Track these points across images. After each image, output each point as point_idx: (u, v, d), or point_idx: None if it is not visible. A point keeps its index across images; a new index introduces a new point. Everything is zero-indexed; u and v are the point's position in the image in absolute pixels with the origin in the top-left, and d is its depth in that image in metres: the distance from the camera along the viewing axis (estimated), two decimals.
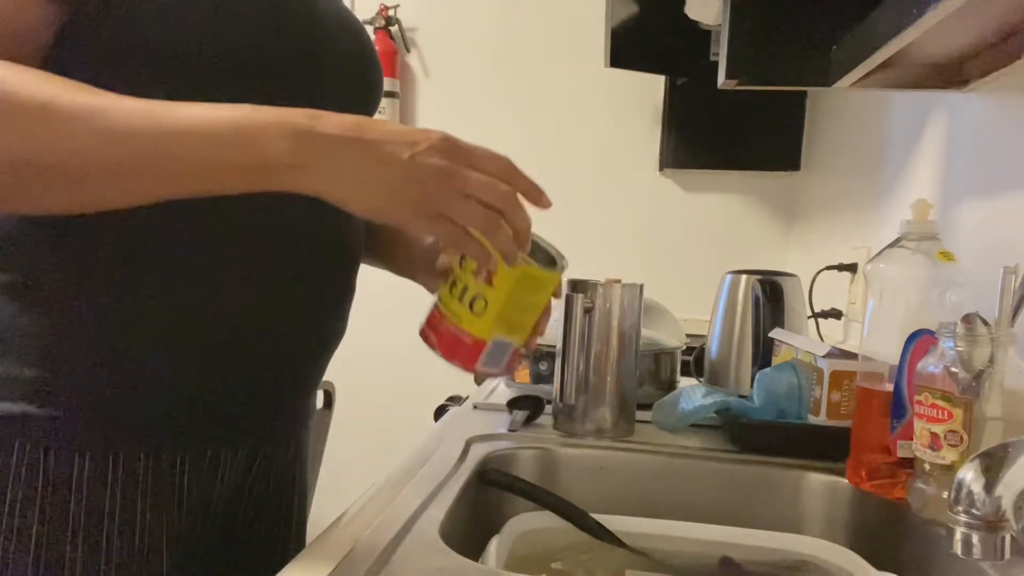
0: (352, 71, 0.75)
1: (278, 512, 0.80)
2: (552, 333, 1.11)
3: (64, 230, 0.61)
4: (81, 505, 0.61)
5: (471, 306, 0.59)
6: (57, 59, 0.58)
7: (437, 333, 0.62)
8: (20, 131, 0.51)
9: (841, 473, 0.79)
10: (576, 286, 0.92)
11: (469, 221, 0.56)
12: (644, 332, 1.02)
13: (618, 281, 0.92)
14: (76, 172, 0.52)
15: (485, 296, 0.59)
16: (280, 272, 0.68)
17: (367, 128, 0.55)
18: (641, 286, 0.93)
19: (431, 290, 0.78)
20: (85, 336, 0.62)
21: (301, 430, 0.82)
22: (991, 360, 0.61)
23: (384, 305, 2.15)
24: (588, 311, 0.91)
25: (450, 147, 0.55)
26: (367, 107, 0.79)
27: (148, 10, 0.59)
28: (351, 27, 0.76)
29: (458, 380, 1.73)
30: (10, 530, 0.60)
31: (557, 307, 1.46)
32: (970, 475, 0.46)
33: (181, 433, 0.66)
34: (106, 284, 0.62)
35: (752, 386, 0.96)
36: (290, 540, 0.82)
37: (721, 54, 1.04)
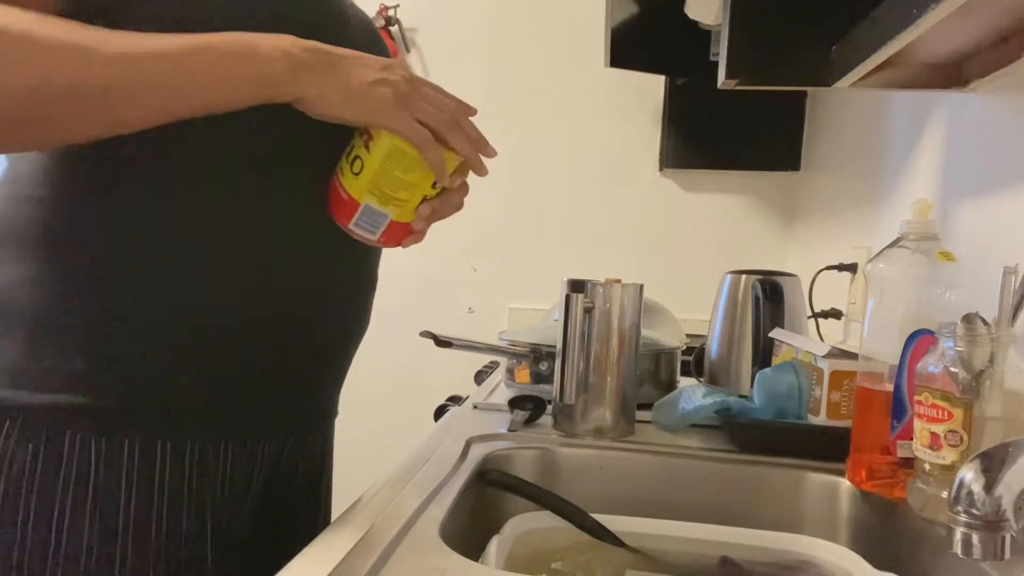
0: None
1: (306, 505, 0.83)
2: (552, 333, 1.11)
3: (103, 218, 0.63)
4: (132, 490, 0.64)
5: (351, 166, 0.67)
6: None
7: (329, 187, 0.70)
8: (42, 59, 0.55)
9: (841, 473, 0.79)
10: (576, 286, 0.92)
11: (430, 118, 0.67)
12: (644, 332, 1.02)
13: (618, 281, 0.92)
14: (98, 93, 0.57)
15: (363, 160, 0.66)
16: (315, 260, 0.72)
17: (341, 51, 0.66)
18: (641, 286, 0.93)
19: None
20: (129, 326, 0.64)
21: (328, 425, 0.85)
22: (991, 360, 0.61)
23: (384, 305, 2.15)
24: (588, 311, 0.91)
25: (412, 75, 0.69)
26: None
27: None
28: (374, 35, 0.83)
29: (458, 380, 1.72)
30: (62, 512, 0.62)
31: (557, 307, 1.46)
32: (970, 475, 0.46)
33: (224, 421, 0.69)
34: (150, 273, 0.65)
35: (752, 386, 0.96)
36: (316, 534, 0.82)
37: (721, 54, 1.04)
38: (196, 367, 0.67)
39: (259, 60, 0.62)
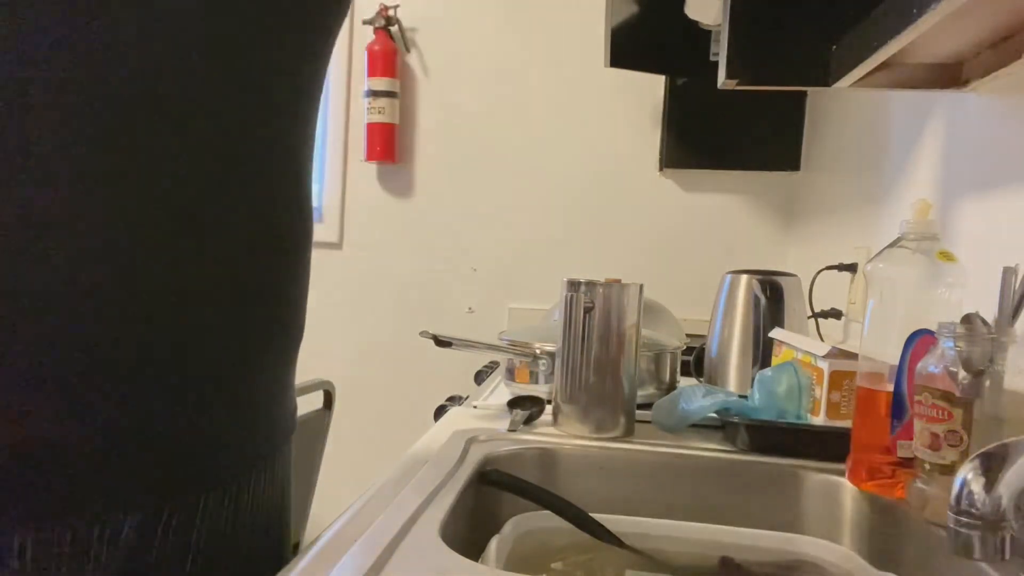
0: None
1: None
2: (552, 333, 1.11)
3: None
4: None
5: None
6: None
7: None
8: None
9: (841, 473, 0.79)
10: (576, 286, 0.92)
11: None
12: (644, 332, 1.02)
13: (618, 281, 0.92)
14: None
15: None
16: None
17: None
18: (641, 286, 0.93)
19: None
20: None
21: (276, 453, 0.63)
22: (991, 360, 0.61)
23: (384, 305, 2.15)
24: (588, 311, 0.91)
25: None
26: None
27: None
28: None
29: (458, 380, 1.73)
30: None
31: (557, 307, 1.45)
32: (970, 475, 0.46)
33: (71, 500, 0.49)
34: None
35: (752, 386, 0.96)
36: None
37: (721, 54, 1.04)
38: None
39: None
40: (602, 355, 0.92)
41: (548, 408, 0.98)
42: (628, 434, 0.93)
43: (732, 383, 1.18)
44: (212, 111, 0.53)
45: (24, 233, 0.47)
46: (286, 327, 0.62)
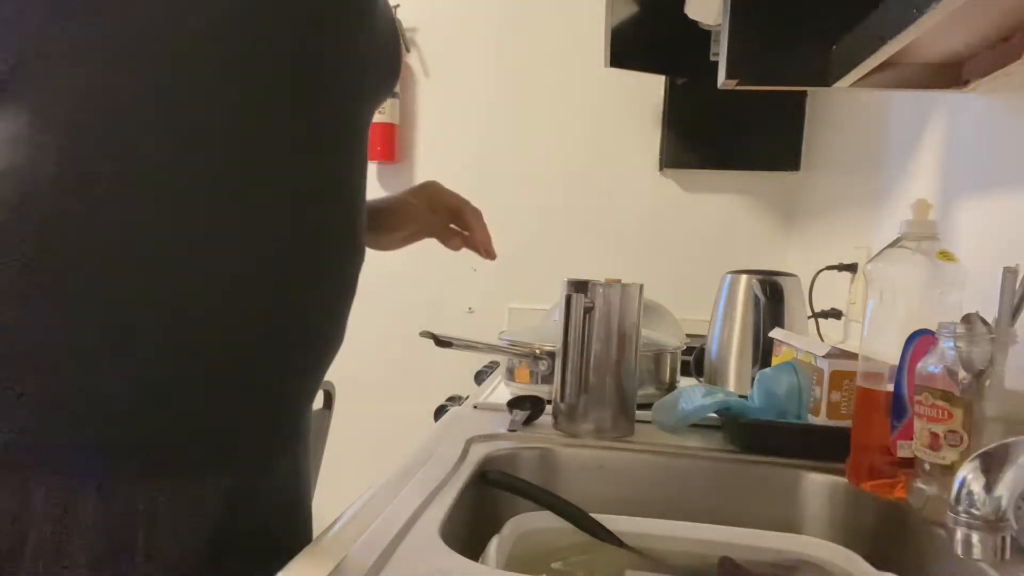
0: None
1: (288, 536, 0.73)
2: (552, 333, 1.11)
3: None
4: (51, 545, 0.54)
5: None
6: None
7: None
8: None
9: (841, 473, 0.79)
10: (576, 286, 0.92)
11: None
12: (644, 332, 1.01)
13: (618, 281, 0.92)
14: None
15: None
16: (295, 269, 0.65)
17: None
18: (641, 286, 0.93)
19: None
20: (58, 342, 0.54)
21: (297, 445, 0.74)
22: (991, 360, 0.61)
23: (384, 305, 2.15)
24: (588, 311, 0.91)
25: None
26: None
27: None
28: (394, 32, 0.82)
29: (458, 380, 1.72)
30: None
31: (557, 307, 1.46)
32: (970, 475, 0.46)
33: (169, 460, 0.59)
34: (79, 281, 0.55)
35: (752, 386, 0.96)
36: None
37: (721, 54, 1.04)
38: (141, 395, 0.56)
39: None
40: (602, 355, 0.92)
41: (548, 408, 0.98)
42: (628, 434, 0.93)
43: (732, 383, 1.18)
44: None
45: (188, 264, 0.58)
46: (338, 337, 0.74)
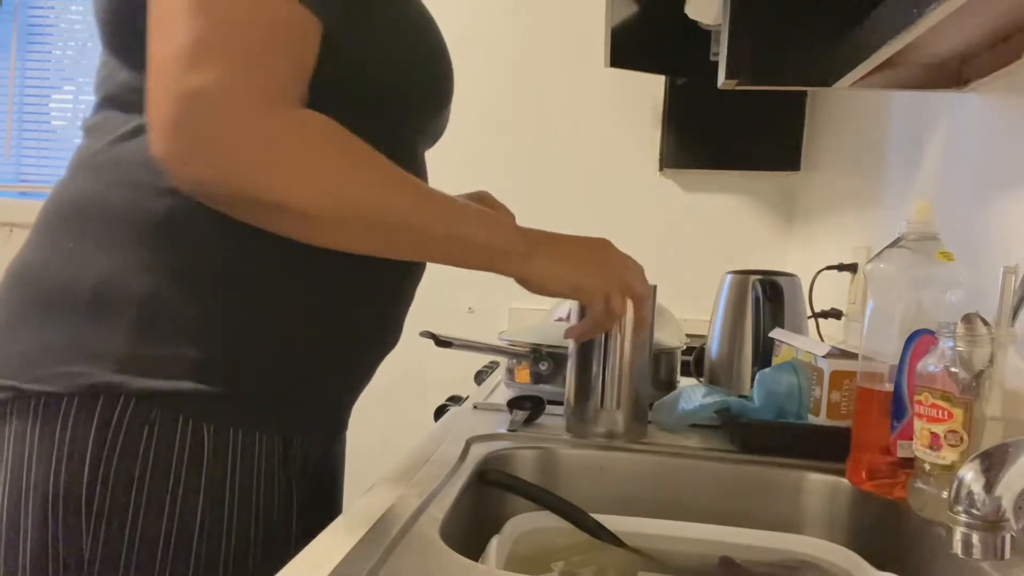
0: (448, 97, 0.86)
1: (328, 504, 0.87)
2: (552, 333, 1.11)
3: (224, 218, 0.63)
4: (235, 478, 0.67)
5: None
6: None
7: None
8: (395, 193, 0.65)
9: (841, 473, 0.79)
10: None
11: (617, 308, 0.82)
12: None
13: None
14: (416, 235, 0.68)
15: None
16: (402, 282, 0.81)
17: (564, 241, 0.82)
18: (654, 287, 0.93)
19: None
20: (242, 323, 0.68)
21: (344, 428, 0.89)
22: (991, 360, 0.61)
23: None
24: None
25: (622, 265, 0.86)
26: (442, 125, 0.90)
27: (346, 58, 0.67)
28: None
29: (458, 380, 1.72)
30: (174, 498, 0.64)
31: (557, 307, 1.44)
32: (970, 475, 0.46)
33: (308, 418, 0.75)
34: (266, 275, 0.68)
35: (752, 386, 0.96)
36: None
37: (721, 54, 1.04)
38: (300, 370, 0.72)
39: (505, 238, 0.72)
40: (615, 358, 0.91)
41: (548, 408, 0.98)
42: (640, 436, 0.92)
43: (732, 383, 1.18)
44: None
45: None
46: (396, 338, 0.87)
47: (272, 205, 0.59)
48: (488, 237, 0.71)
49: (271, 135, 0.58)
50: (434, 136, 0.88)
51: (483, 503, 0.77)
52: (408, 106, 0.76)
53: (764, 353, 1.08)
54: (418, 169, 0.83)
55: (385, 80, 0.72)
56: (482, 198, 0.98)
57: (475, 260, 0.72)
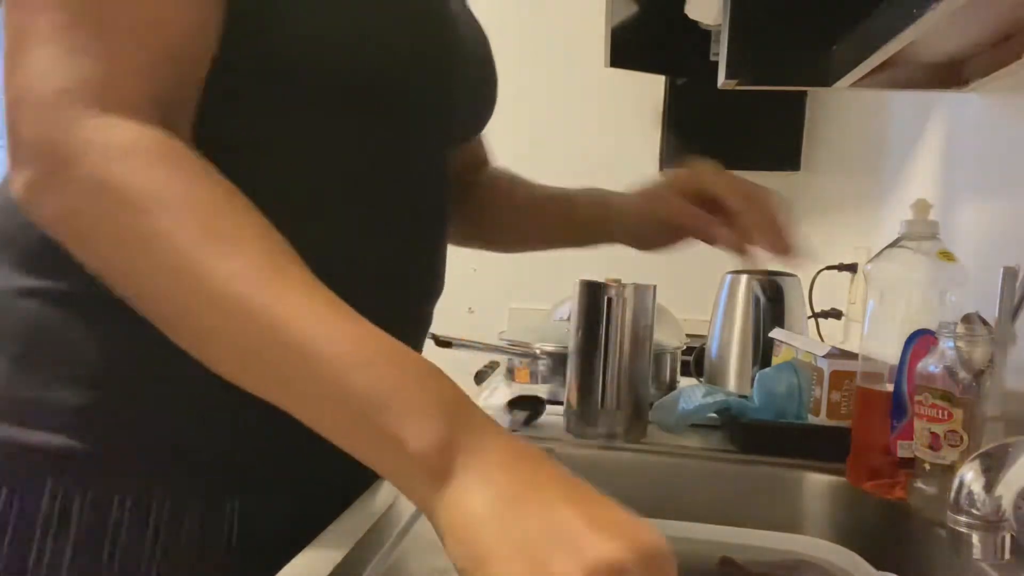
0: (478, 85, 0.77)
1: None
2: (552, 333, 1.11)
3: None
4: (115, 558, 0.53)
5: None
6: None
7: None
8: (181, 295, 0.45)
9: (841, 473, 0.79)
10: (590, 288, 0.92)
11: None
12: None
13: (617, 281, 0.92)
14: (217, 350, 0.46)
15: None
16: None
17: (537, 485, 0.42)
18: (654, 287, 0.93)
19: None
20: (140, 355, 0.54)
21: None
22: (991, 360, 0.61)
23: None
24: (606, 313, 0.91)
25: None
26: (486, 116, 0.82)
27: (298, 32, 0.54)
28: (478, 33, 0.77)
29: (458, 380, 1.72)
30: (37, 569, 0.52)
31: (558, 307, 1.43)
32: (970, 475, 0.46)
33: (236, 474, 0.58)
34: None
35: (752, 386, 0.96)
36: None
37: (721, 54, 1.04)
38: (216, 417, 0.56)
39: (401, 407, 0.45)
40: (615, 358, 0.91)
41: (548, 408, 0.98)
42: (641, 437, 0.92)
43: (732, 383, 1.18)
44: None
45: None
46: None
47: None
48: (366, 389, 0.44)
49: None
50: (465, 127, 0.75)
51: None
52: (393, 90, 0.61)
53: (764, 353, 1.08)
54: (426, 178, 0.70)
55: (354, 56, 0.56)
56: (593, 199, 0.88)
57: (333, 428, 0.45)
